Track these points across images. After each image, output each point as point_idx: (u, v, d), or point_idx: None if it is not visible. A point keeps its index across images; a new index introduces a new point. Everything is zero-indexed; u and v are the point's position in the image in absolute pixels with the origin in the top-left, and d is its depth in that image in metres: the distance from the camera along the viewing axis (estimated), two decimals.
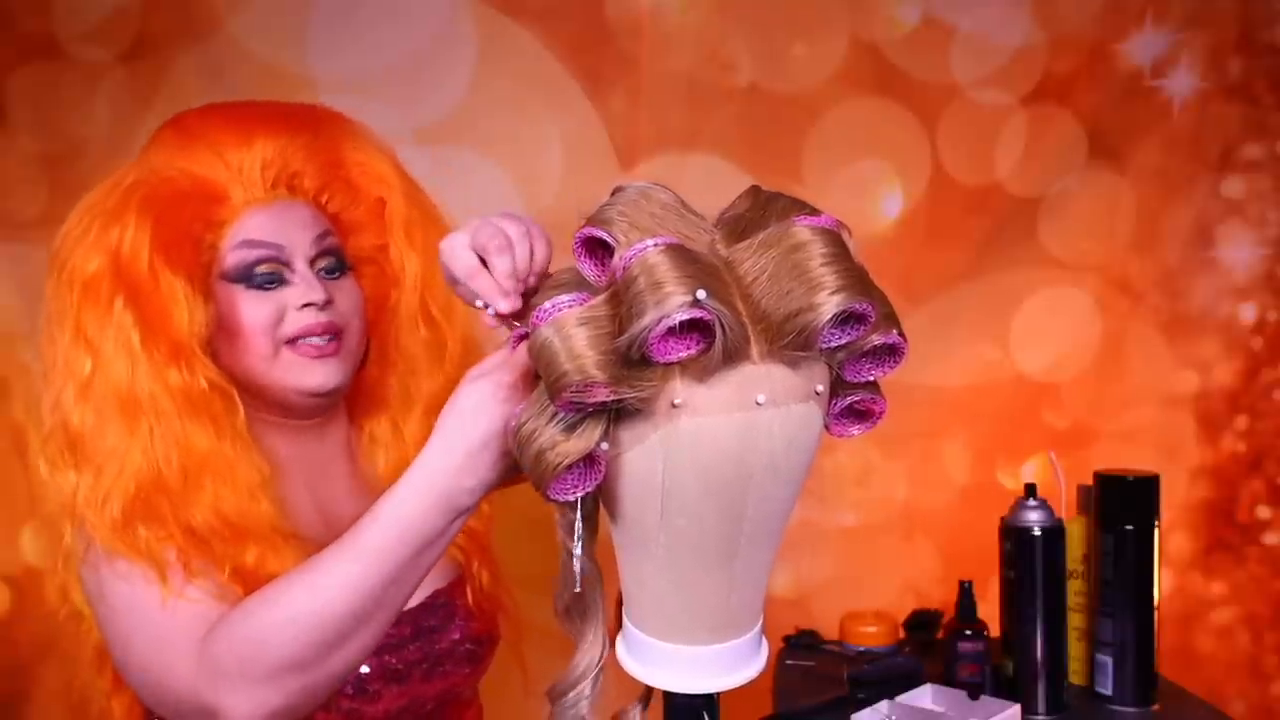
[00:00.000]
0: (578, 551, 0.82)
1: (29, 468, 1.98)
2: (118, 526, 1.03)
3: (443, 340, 1.23)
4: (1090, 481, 1.53)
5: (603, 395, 0.72)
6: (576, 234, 0.78)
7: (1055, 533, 1.48)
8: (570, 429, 0.75)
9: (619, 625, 0.86)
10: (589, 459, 0.76)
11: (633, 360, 0.72)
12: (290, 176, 1.16)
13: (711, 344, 0.71)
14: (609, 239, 0.75)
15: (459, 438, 0.87)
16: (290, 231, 1.13)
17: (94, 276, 1.07)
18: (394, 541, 0.91)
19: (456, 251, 0.89)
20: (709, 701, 0.86)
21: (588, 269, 0.78)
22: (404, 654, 1.16)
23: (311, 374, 1.13)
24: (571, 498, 0.78)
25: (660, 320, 0.69)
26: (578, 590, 0.84)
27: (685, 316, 0.69)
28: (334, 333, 1.14)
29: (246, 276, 1.11)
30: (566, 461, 0.75)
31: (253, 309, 1.11)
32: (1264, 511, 2.01)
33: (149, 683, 1.03)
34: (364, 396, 1.26)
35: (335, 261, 1.17)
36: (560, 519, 0.84)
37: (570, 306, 0.74)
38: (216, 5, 1.89)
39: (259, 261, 1.12)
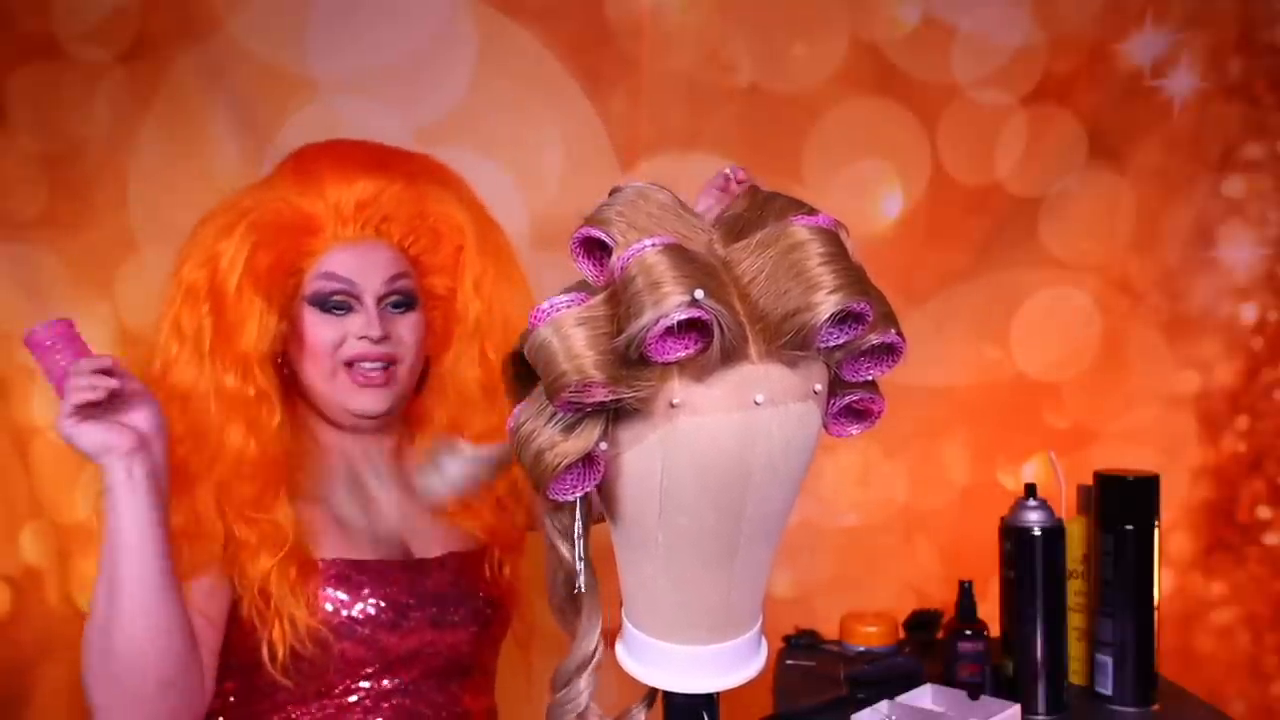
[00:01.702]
0: (577, 551, 0.82)
1: (30, 466, 1.98)
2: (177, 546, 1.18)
3: (496, 383, 1.33)
4: (1090, 481, 1.52)
5: (601, 395, 0.72)
6: (574, 234, 0.78)
7: (1055, 533, 1.48)
8: (569, 429, 0.75)
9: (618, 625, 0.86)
10: (588, 459, 0.76)
11: (631, 360, 0.72)
12: (380, 220, 1.31)
13: (710, 344, 0.71)
14: (607, 239, 0.75)
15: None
16: (367, 271, 1.30)
17: (195, 283, 1.26)
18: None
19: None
20: (709, 701, 0.86)
21: (586, 269, 0.78)
22: (417, 593, 1.29)
23: (359, 398, 1.31)
24: (571, 498, 0.78)
25: (658, 320, 0.69)
26: (577, 590, 0.84)
27: (683, 316, 0.69)
28: (388, 361, 1.30)
29: (321, 303, 1.29)
30: (565, 462, 0.75)
31: (321, 330, 1.29)
32: (1264, 511, 2.01)
33: None
34: (417, 418, 1.42)
35: (403, 299, 1.33)
36: (551, 519, 0.85)
37: (568, 306, 0.74)
38: (216, 5, 1.89)
39: (334, 293, 1.29)
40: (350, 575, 1.27)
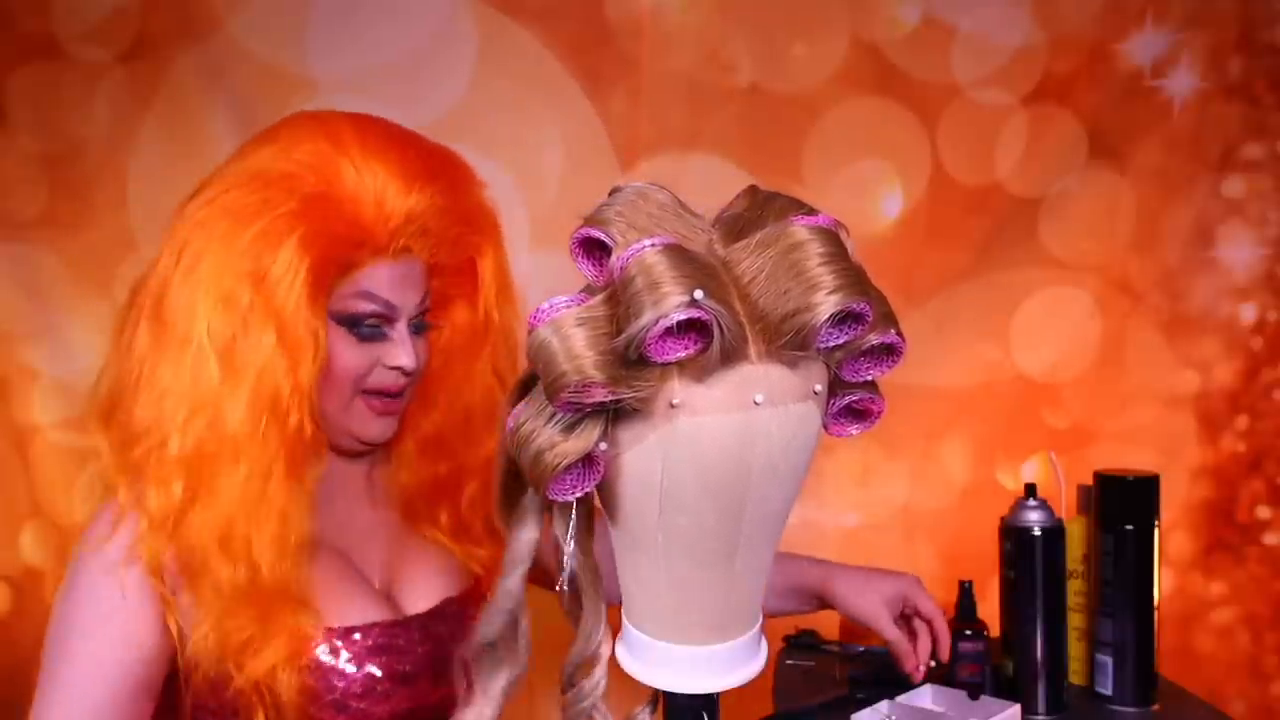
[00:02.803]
0: (569, 549, 0.82)
1: (30, 466, 1.98)
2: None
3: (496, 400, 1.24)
4: (1090, 481, 1.52)
5: (601, 395, 0.72)
6: (574, 234, 0.78)
7: (1055, 533, 1.48)
8: (568, 429, 0.75)
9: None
10: (588, 459, 0.76)
11: (631, 360, 0.72)
12: (421, 234, 1.15)
13: (709, 344, 0.71)
14: (606, 239, 0.75)
15: None
16: (404, 292, 1.14)
17: (234, 293, 1.05)
18: None
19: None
20: (709, 701, 0.86)
21: (585, 269, 0.78)
22: (413, 657, 1.16)
23: (371, 426, 1.17)
24: (570, 498, 0.78)
25: (658, 320, 0.69)
26: (575, 590, 0.85)
27: (683, 316, 0.69)
28: (404, 393, 1.17)
29: (353, 323, 1.12)
30: (565, 462, 0.75)
31: (350, 356, 1.12)
32: (1264, 511, 2.01)
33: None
34: (400, 436, 1.25)
35: (422, 321, 1.19)
36: (557, 519, 0.85)
37: (568, 306, 0.74)
38: (216, 5, 1.89)
39: (370, 315, 1.13)
40: (350, 643, 1.12)
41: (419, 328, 1.18)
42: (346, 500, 1.23)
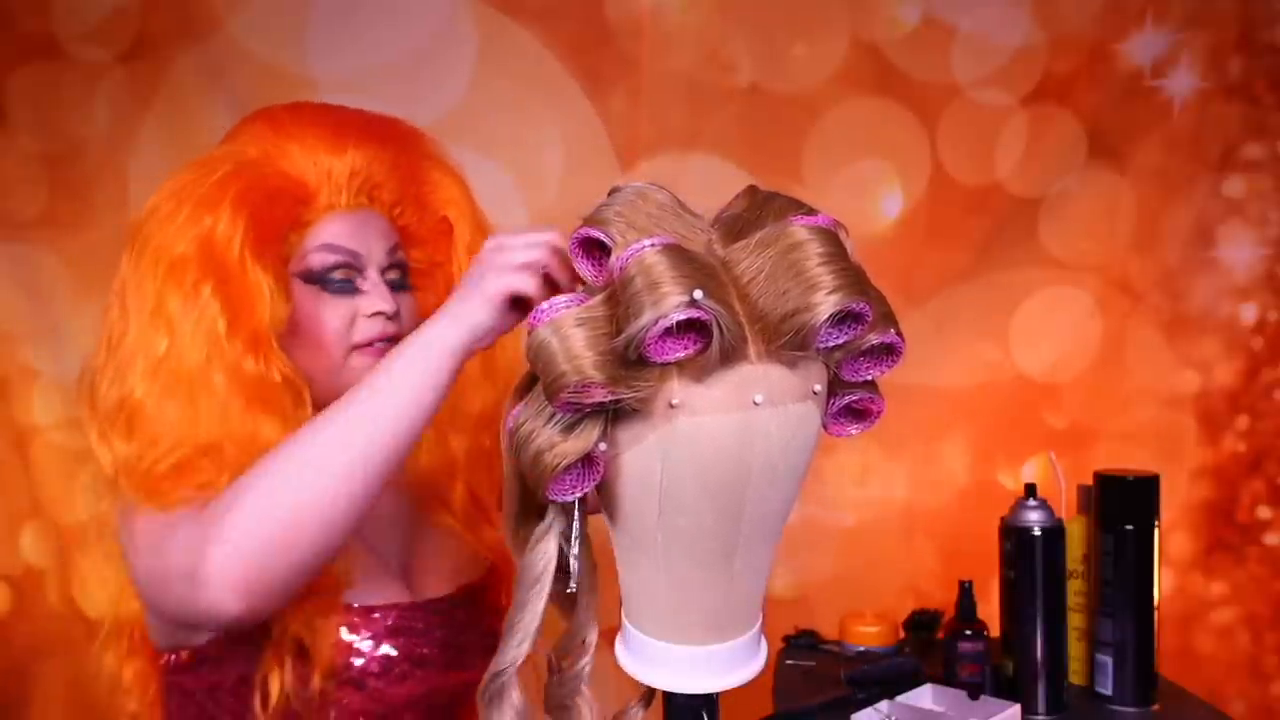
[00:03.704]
0: (574, 551, 0.82)
1: (30, 466, 1.99)
2: (167, 479, 1.05)
3: (493, 355, 1.24)
4: (1090, 481, 1.52)
5: (600, 395, 0.72)
6: (573, 234, 0.78)
7: (1055, 533, 1.48)
8: (568, 429, 0.75)
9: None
10: (587, 459, 0.76)
11: (630, 360, 0.72)
12: (373, 187, 1.19)
13: (709, 344, 0.71)
14: (606, 239, 0.75)
15: (475, 279, 0.95)
16: (368, 240, 1.17)
17: (181, 259, 1.09)
18: (398, 381, 0.96)
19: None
20: (708, 701, 0.86)
21: (585, 269, 0.78)
22: (430, 641, 1.18)
23: None
24: (570, 498, 0.78)
25: (657, 320, 0.69)
26: (571, 589, 0.85)
27: (682, 316, 0.69)
28: (397, 340, 1.16)
29: (322, 279, 1.15)
30: (565, 462, 0.75)
31: (327, 313, 1.15)
32: (1264, 511, 2.01)
33: (152, 569, 1.04)
34: None
35: (401, 275, 1.20)
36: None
37: (568, 306, 0.74)
38: (216, 5, 1.89)
39: (337, 266, 1.15)
40: (369, 622, 1.14)
41: (396, 284, 1.19)
42: None
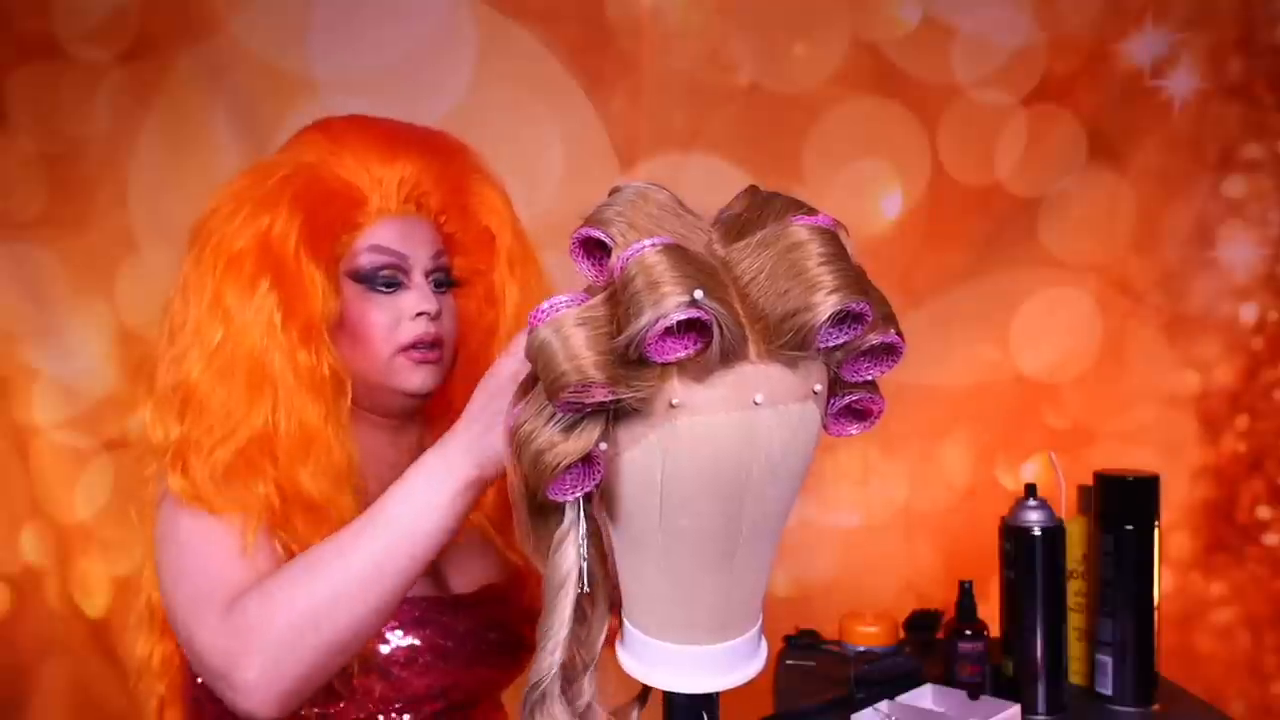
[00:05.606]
0: (580, 551, 0.82)
1: (30, 467, 1.99)
2: (217, 476, 1.11)
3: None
4: (1090, 481, 1.52)
5: (601, 395, 0.72)
6: (574, 234, 0.78)
7: (1055, 533, 1.48)
8: (568, 429, 0.75)
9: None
10: (587, 459, 0.76)
11: (631, 360, 0.72)
12: (420, 195, 1.25)
13: (709, 344, 0.71)
14: (606, 239, 0.75)
15: (485, 399, 0.97)
16: (414, 245, 1.23)
17: (240, 254, 1.15)
18: (420, 508, 1.00)
19: None
20: (709, 701, 0.86)
21: (585, 269, 0.78)
22: (455, 635, 1.22)
23: (413, 377, 1.22)
24: (570, 498, 0.78)
25: (658, 320, 0.69)
26: (585, 590, 0.84)
27: (682, 316, 0.69)
28: (438, 342, 1.23)
29: (370, 279, 1.21)
30: (565, 462, 0.75)
31: (374, 313, 1.21)
32: (1264, 511, 2.01)
33: (183, 626, 1.09)
34: (439, 410, 1.32)
35: (444, 277, 1.26)
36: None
37: (568, 306, 0.74)
38: (216, 5, 1.90)
39: (385, 266, 1.21)
40: (398, 611, 1.12)
41: (440, 283, 1.25)
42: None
